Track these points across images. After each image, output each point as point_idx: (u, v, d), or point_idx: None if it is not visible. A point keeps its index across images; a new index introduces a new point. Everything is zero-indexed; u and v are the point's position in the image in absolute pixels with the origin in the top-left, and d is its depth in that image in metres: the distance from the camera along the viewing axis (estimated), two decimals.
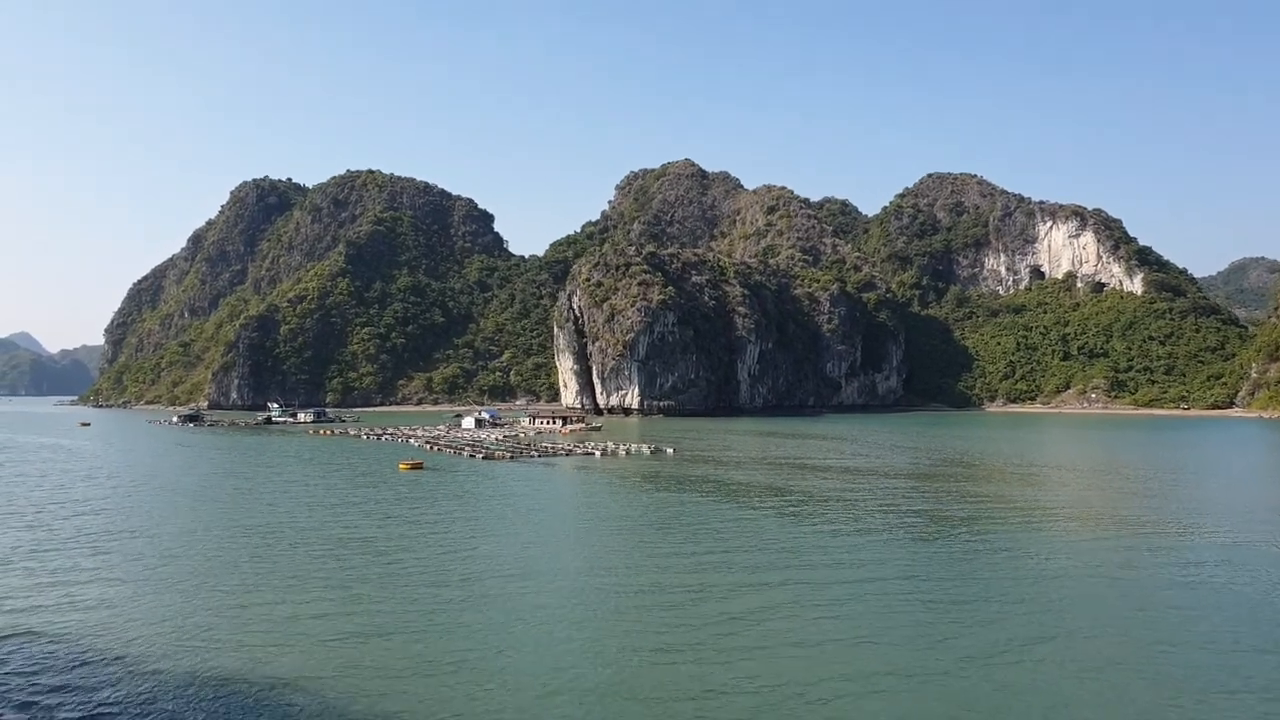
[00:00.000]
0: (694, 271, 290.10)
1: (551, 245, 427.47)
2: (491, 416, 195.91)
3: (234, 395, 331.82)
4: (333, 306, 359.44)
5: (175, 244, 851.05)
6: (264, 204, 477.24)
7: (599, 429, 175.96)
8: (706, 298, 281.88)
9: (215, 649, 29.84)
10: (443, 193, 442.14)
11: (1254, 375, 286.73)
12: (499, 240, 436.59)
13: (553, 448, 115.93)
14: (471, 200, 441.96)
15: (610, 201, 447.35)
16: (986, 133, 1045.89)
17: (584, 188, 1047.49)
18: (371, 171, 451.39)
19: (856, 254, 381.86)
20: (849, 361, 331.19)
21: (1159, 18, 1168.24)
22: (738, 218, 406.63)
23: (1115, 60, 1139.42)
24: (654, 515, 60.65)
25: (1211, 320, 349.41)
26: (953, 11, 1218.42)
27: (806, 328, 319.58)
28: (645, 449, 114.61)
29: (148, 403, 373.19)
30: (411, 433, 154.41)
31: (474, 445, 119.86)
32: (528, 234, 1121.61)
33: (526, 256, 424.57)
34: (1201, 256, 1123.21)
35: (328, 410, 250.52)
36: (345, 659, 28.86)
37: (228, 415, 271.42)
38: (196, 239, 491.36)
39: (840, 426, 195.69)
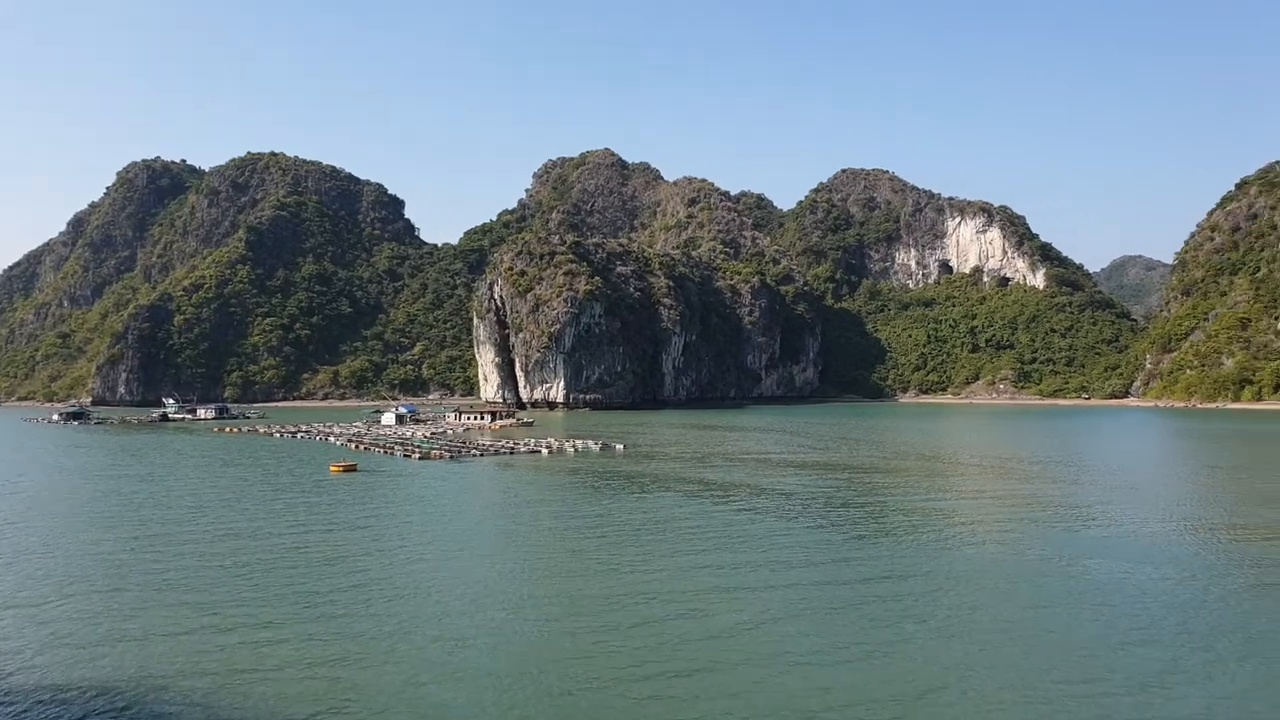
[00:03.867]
0: (619, 262, 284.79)
1: (466, 233, 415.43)
2: (410, 412, 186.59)
3: (121, 390, 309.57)
4: (232, 296, 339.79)
5: (52, 228, 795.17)
6: (155, 187, 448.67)
7: (531, 424, 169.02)
8: (632, 289, 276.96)
9: (173, 689, 23.12)
10: (350, 177, 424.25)
11: (1148, 366, 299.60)
12: (410, 227, 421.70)
13: (494, 446, 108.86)
14: (381, 185, 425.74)
15: (528, 190, 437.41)
16: (898, 129, 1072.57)
17: (501, 175, 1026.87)
18: (274, 154, 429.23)
19: (775, 247, 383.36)
20: (769, 353, 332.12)
21: (1058, 21, 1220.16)
22: (658, 209, 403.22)
23: (1015, 63, 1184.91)
24: (640, 519, 55.07)
25: (1106, 314, 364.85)
26: (864, 9, 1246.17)
27: (728, 320, 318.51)
28: (594, 446, 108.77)
29: (20, 399, 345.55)
30: (330, 430, 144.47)
31: (405, 444, 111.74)
32: (441, 221, 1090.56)
33: (440, 245, 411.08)
34: (1087, 254, 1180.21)
35: (230, 406, 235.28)
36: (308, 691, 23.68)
37: (116, 412, 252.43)
38: (78, 222, 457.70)
39: (771, 418, 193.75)
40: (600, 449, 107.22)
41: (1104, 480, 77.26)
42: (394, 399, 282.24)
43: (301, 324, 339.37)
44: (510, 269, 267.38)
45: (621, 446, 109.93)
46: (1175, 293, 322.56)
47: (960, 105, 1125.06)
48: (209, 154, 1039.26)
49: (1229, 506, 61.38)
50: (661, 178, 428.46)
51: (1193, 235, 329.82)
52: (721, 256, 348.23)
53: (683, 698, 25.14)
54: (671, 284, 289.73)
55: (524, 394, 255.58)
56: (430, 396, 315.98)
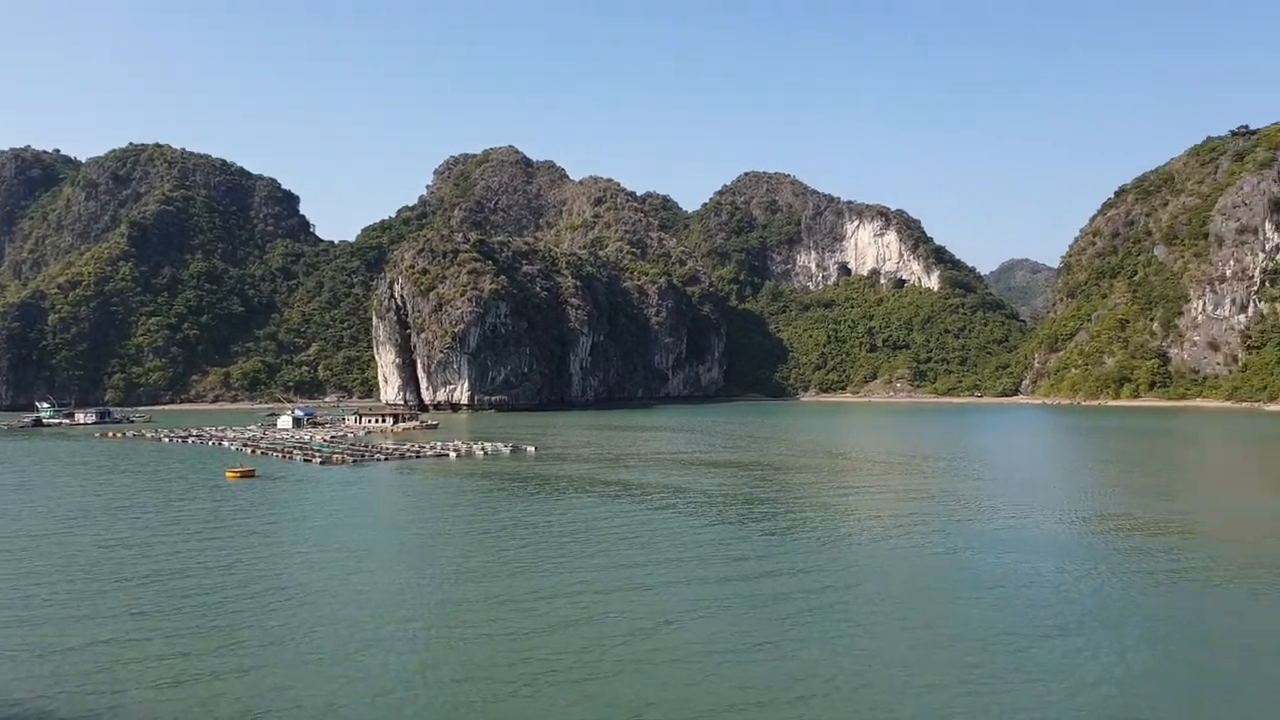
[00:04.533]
0: (525, 261, 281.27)
1: (364, 231, 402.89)
2: (307, 415, 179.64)
3: None
4: (113, 294, 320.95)
5: None
6: (25, 178, 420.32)
7: (435, 426, 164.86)
8: (539, 288, 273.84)
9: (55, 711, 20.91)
10: (242, 171, 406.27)
11: (1036, 365, 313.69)
12: (305, 224, 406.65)
13: (399, 449, 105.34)
14: (275, 180, 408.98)
15: (429, 186, 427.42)
16: (800, 133, 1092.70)
17: (400, 171, 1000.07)
18: (159, 145, 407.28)
19: (681, 248, 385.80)
20: (675, 354, 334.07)
21: (937, 25, 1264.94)
22: (564, 208, 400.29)
23: (915, 66, 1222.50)
24: (557, 521, 53.71)
25: (997, 315, 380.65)
26: (765, 12, 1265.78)
27: (636, 320, 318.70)
28: (504, 448, 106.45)
29: None
30: (223, 434, 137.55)
31: (304, 448, 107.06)
32: (338, 218, 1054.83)
33: (336, 242, 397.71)
34: (978, 257, 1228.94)
35: (113, 410, 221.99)
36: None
37: None
38: None
39: (680, 418, 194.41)
40: (511, 451, 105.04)
41: (1003, 476, 79.88)
42: (290, 401, 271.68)
43: (190, 323, 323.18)
44: (412, 267, 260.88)
45: (533, 449, 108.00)
46: (1061, 295, 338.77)
47: (858, 109, 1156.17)
48: (86, 144, 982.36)
49: (1120, 499, 64.15)
50: (567, 177, 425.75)
51: (1076, 240, 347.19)
52: (628, 257, 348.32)
53: (600, 698, 25.06)
54: (579, 284, 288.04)
55: (426, 396, 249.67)
56: (327, 399, 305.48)
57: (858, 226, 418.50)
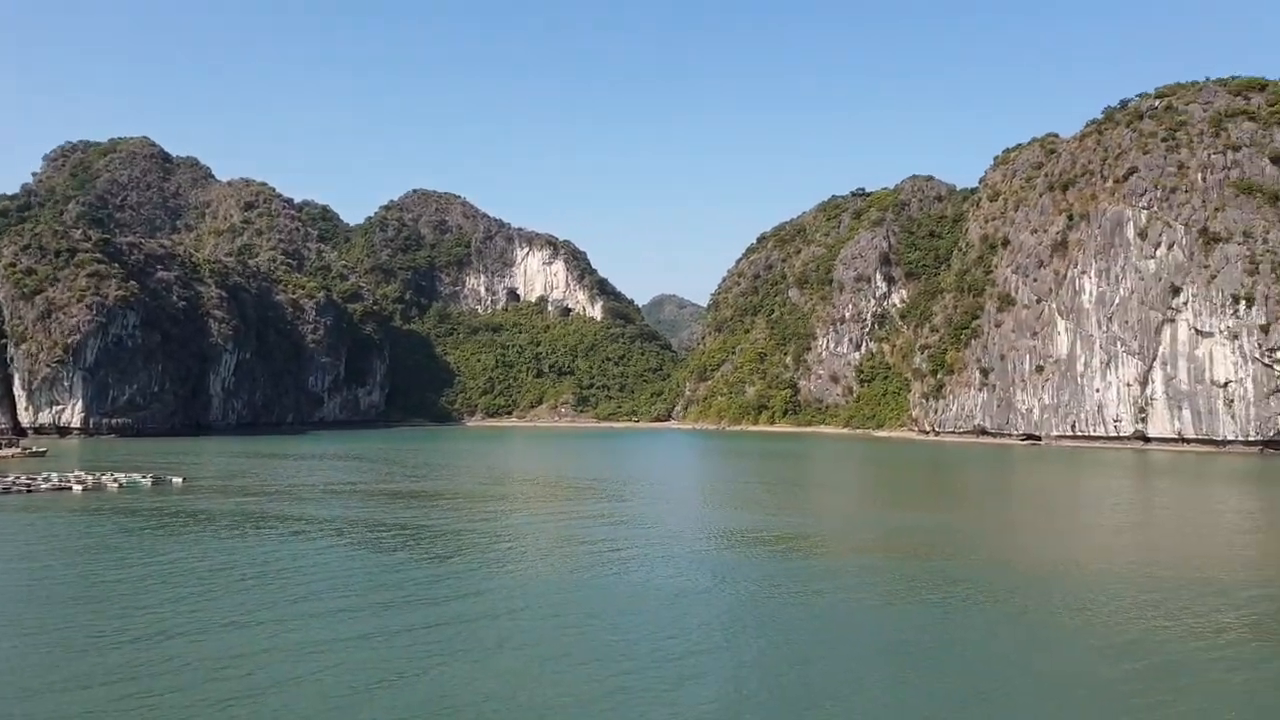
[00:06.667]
0: (161, 266, 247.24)
1: None
2: None
3: None
4: None
5: None
6: None
7: (43, 453, 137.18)
8: (176, 297, 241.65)
9: None
10: None
11: (687, 393, 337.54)
12: None
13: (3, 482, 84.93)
14: None
15: (35, 174, 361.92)
16: (473, 156, 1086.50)
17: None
18: None
19: (342, 262, 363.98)
20: (333, 375, 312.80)
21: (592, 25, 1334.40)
22: (209, 210, 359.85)
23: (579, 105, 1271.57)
24: (223, 564, 45.00)
25: (653, 345, 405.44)
26: (421, 27, 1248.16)
27: (289, 337, 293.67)
28: (142, 479, 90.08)
29: None
30: None
31: None
32: None
33: None
34: (634, 290, 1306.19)
35: None
36: None
37: None
38: None
39: (344, 445, 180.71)
40: (153, 483, 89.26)
41: (662, 495, 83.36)
42: None
43: None
44: (13, 266, 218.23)
45: (180, 480, 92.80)
46: (710, 329, 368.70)
47: (525, 137, 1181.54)
48: None
49: (763, 516, 69.57)
50: (213, 176, 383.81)
51: (724, 280, 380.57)
52: (283, 268, 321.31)
53: None
54: (224, 294, 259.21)
55: (25, 417, 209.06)
56: None
57: (527, 253, 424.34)
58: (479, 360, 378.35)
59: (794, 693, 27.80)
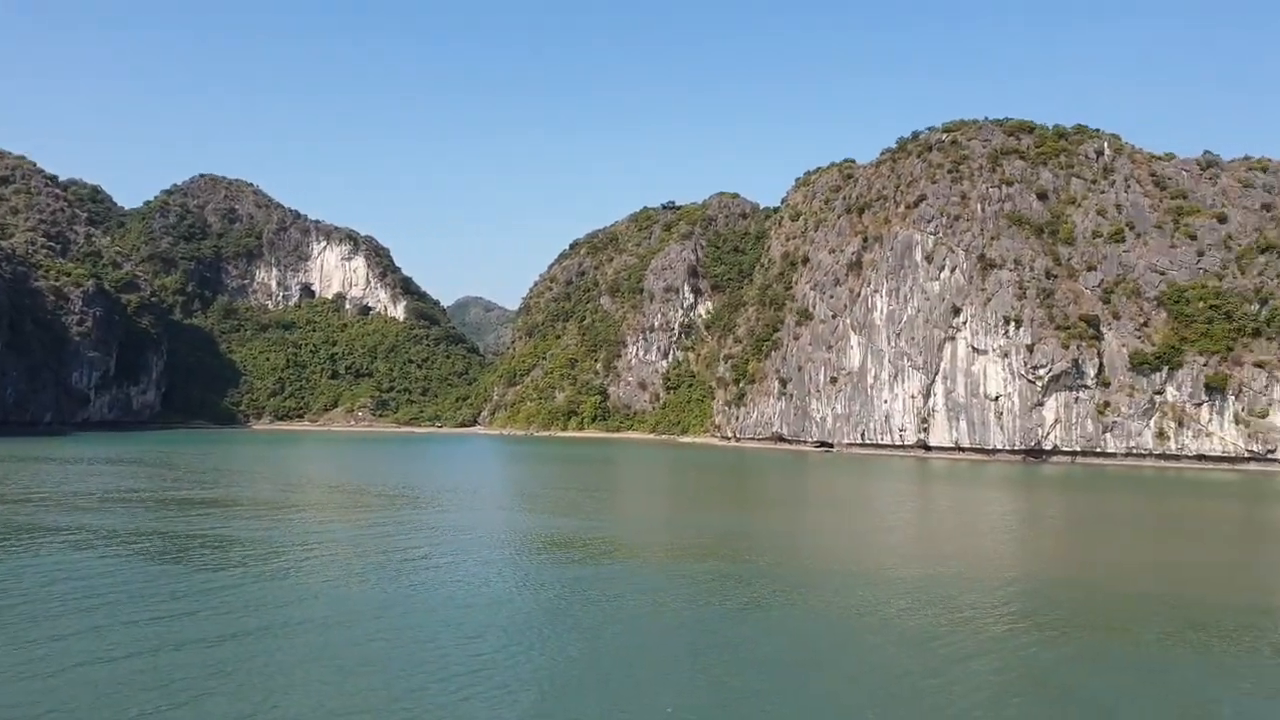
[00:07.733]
0: None
1: None
2: None
3: None
4: None
5: None
6: None
7: None
8: None
9: None
10: None
11: (495, 398, 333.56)
12: None
13: None
14: None
15: None
16: (266, 143, 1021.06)
17: None
18: None
19: (116, 249, 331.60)
20: (102, 371, 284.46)
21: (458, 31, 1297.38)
22: None
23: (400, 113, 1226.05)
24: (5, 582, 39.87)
25: (459, 348, 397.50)
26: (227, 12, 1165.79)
27: (49, 329, 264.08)
28: None
29: None
30: None
31: None
32: None
33: None
34: (439, 291, 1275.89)
35: None
36: None
37: None
38: None
39: (119, 448, 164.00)
40: None
41: (468, 504, 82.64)
42: None
43: None
44: None
45: None
46: (521, 333, 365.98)
47: (334, 126, 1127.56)
48: None
49: (585, 521, 70.51)
50: None
51: (536, 284, 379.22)
52: (44, 252, 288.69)
53: None
54: None
55: None
56: None
57: (325, 247, 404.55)
58: (268, 359, 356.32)
59: (596, 695, 27.83)
